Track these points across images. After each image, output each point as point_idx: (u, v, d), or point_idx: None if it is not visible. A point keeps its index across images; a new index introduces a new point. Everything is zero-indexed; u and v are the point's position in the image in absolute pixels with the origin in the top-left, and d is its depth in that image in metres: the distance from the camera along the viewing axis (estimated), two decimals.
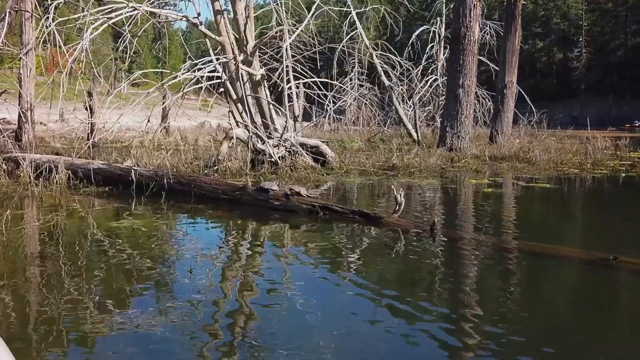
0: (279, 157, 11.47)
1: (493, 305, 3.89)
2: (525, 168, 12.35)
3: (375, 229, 6.08)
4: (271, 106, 13.06)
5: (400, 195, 6.07)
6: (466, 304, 3.92)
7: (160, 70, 20.17)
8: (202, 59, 12.28)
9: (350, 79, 27.55)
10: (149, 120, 13.33)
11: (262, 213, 7.14)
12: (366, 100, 25.45)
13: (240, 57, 12.17)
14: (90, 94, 16.24)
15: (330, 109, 21.22)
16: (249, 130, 11.72)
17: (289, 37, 13.41)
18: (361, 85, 26.68)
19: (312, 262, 4.95)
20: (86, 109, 16.28)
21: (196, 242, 5.71)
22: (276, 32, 12.91)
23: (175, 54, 73.36)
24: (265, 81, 13.16)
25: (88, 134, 13.94)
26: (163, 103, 15.36)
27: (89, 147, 11.49)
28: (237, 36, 13.15)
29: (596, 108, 54.25)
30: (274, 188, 7.17)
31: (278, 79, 14.65)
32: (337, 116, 26.62)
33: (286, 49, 13.10)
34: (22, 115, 13.78)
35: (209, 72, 12.28)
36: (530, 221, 7.45)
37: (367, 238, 5.86)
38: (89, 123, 14.75)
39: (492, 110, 24.56)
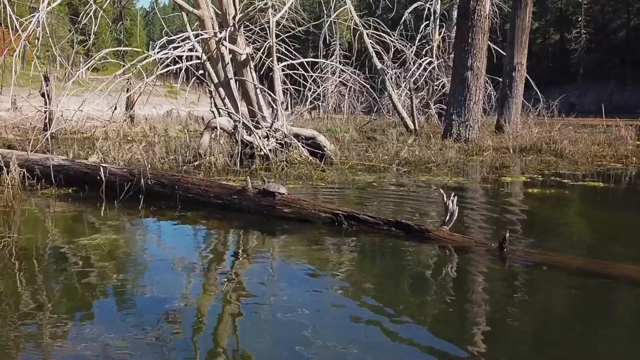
0: (269, 150, 10.59)
1: None
2: (559, 162, 11.39)
3: (419, 246, 5.07)
4: (258, 91, 12.12)
5: (451, 202, 5.09)
6: None
7: (129, 48, 19.11)
8: (180, 35, 11.26)
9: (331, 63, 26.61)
10: (115, 108, 12.41)
11: (267, 223, 6.10)
12: (354, 85, 24.56)
13: (223, 34, 11.20)
14: (47, 79, 15.16)
15: (315, 94, 20.35)
16: (234, 119, 10.82)
17: (279, 10, 12.56)
18: (343, 71, 25.70)
19: (334, 293, 3.96)
20: (42, 96, 15.22)
21: (187, 266, 4.63)
22: (265, 4, 11.93)
23: (138, 36, 72.05)
24: (251, 62, 12.21)
25: (45, 123, 12.94)
26: (128, 89, 14.46)
27: (46, 139, 10.48)
28: (218, 11, 12.22)
29: (596, 94, 53.59)
30: (281, 191, 6.14)
31: (262, 59, 13.83)
32: (322, 103, 25.73)
33: (273, 25, 12.23)
34: None
35: (181, 52, 11.33)
36: (614, 233, 6.17)
37: (408, 258, 4.86)
38: (46, 111, 13.73)
39: (492, 97, 23.87)
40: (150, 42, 74.12)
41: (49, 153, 9.32)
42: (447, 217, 5.12)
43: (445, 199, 5.16)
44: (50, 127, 11.43)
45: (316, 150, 11.12)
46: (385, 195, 8.13)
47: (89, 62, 11.62)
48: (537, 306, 3.82)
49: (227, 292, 4.01)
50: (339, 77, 24.52)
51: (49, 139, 10.54)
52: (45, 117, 13.64)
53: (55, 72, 16.86)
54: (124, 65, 12.51)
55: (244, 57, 11.76)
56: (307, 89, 18.56)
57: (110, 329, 3.29)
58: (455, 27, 24.63)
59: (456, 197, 5.16)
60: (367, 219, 5.57)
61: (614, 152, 12.74)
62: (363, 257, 4.92)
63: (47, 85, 15.22)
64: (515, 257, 4.64)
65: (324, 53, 31.51)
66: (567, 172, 10.34)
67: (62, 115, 12.90)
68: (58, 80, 16.52)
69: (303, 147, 11.02)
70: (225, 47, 11.34)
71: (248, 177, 6.89)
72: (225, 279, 4.34)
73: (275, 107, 11.58)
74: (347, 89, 25.22)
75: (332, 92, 26.31)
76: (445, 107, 24.20)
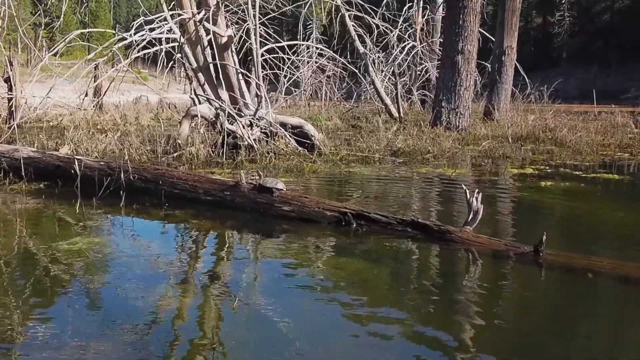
0: (254, 140, 10.16)
1: None
2: (562, 152, 11.09)
3: (439, 249, 4.70)
4: (240, 76, 11.68)
5: (475, 199, 4.72)
6: None
7: (102, 30, 18.57)
8: (158, 15, 10.80)
9: (308, 47, 26.09)
10: (86, 94, 11.98)
11: (265, 222, 5.69)
12: (334, 70, 24.13)
13: (204, 14, 10.76)
14: (11, 63, 14.57)
15: (295, 77, 19.96)
16: (215, 107, 10.40)
17: None
18: (321, 55, 25.19)
19: (339, 304, 3.55)
20: (6, 81, 14.63)
21: (177, 273, 4.20)
22: None
23: (104, 19, 71.34)
24: (233, 45, 11.75)
25: (12, 111, 12.43)
26: (96, 77, 13.99)
27: (12, 129, 9.99)
28: None
29: (579, 79, 53.84)
30: (279, 187, 5.74)
31: (240, 42, 13.37)
32: (303, 90, 25.34)
33: (257, 5, 11.77)
34: None
35: (158, 34, 10.89)
36: None
37: (425, 263, 4.51)
38: (10, 99, 13.20)
39: (478, 82, 23.57)
40: (117, 25, 73.47)
41: (15, 143, 8.82)
42: (471, 216, 4.74)
43: (468, 196, 4.78)
44: (16, 115, 10.94)
45: (304, 140, 10.71)
46: (395, 190, 7.76)
47: (57, 45, 11.11)
48: (582, 323, 3.44)
49: (218, 300, 3.67)
50: (318, 62, 24.03)
51: (16, 129, 10.05)
52: (11, 105, 13.10)
53: (17, 56, 16.23)
54: (92, 49, 12.08)
55: (225, 39, 11.30)
56: (283, 73, 18.15)
57: (92, 339, 2.99)
58: (439, 10, 24.30)
59: (480, 193, 4.78)
60: (379, 218, 5.16)
61: (618, 141, 12.48)
62: (373, 263, 4.51)
63: (11, 70, 14.63)
64: (554, 263, 4.25)
65: (301, 37, 31.00)
66: (574, 162, 10.06)
67: (26, 103, 12.42)
68: (21, 65, 15.90)
69: (290, 136, 10.61)
70: (208, 29, 10.87)
71: (242, 171, 6.50)
72: (218, 287, 3.94)
73: (259, 93, 11.16)
74: (326, 75, 24.71)
75: (309, 77, 25.79)
76: (428, 93, 23.94)
